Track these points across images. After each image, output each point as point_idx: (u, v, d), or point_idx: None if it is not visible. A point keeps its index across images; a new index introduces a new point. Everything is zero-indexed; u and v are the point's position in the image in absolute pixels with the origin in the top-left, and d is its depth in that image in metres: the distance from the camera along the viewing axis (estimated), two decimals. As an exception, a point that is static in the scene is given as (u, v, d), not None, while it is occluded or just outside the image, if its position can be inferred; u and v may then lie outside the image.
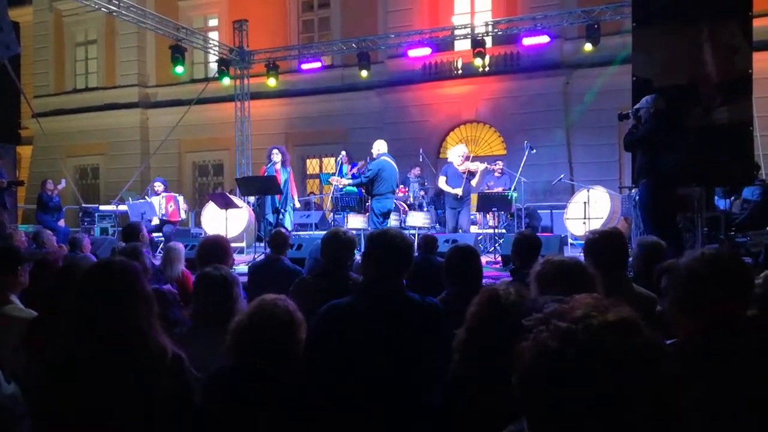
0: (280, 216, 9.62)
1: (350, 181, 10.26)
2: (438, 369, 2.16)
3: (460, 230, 9.30)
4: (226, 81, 14.23)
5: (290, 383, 1.92)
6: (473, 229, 10.73)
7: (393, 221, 9.83)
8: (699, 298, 1.73)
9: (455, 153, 9.61)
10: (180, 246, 5.59)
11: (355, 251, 3.96)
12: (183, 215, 10.93)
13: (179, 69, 13.03)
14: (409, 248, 2.54)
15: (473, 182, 9.49)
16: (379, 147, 9.21)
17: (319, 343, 2.28)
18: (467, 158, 9.55)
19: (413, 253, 2.63)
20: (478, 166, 9.59)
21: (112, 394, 1.84)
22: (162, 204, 10.63)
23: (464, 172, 9.31)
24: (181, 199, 11.07)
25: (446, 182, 9.41)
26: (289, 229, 10.02)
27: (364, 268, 2.63)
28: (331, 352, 2.32)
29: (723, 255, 1.82)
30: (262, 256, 6.93)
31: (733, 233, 7.13)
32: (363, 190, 9.91)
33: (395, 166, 9.00)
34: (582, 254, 3.09)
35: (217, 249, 4.20)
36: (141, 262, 3.87)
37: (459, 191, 9.22)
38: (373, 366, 2.26)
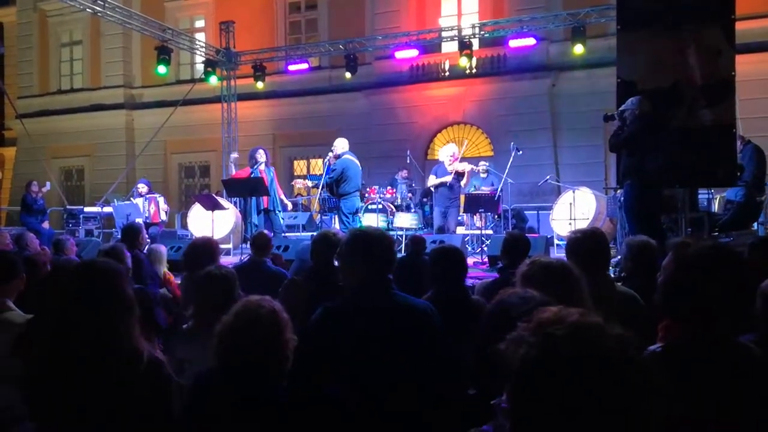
0: (273, 217, 9.57)
1: (314, 183, 10.11)
2: (431, 372, 2.15)
3: (446, 231, 9.30)
4: (213, 82, 14.16)
5: (277, 385, 1.91)
6: (460, 230, 10.75)
7: (381, 222, 9.82)
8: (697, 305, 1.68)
9: (445, 153, 9.59)
10: (162, 248, 5.58)
11: None
12: (164, 216, 10.86)
13: (161, 69, 12.84)
14: (392, 245, 2.49)
15: (462, 183, 9.49)
16: (342, 145, 9.09)
17: (317, 346, 2.25)
18: (456, 158, 9.54)
19: (396, 250, 2.56)
20: (466, 167, 9.58)
21: (84, 398, 1.82)
22: (145, 206, 10.58)
23: (452, 173, 9.31)
24: (161, 200, 10.98)
25: (435, 178, 9.40)
26: (283, 230, 9.99)
27: (350, 270, 2.44)
28: (328, 355, 2.28)
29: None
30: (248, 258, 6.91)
31: (716, 233, 7.21)
32: (328, 192, 9.51)
33: (358, 163, 8.96)
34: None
35: (205, 251, 4.19)
36: (123, 263, 3.85)
37: (448, 178, 9.14)
38: (370, 368, 2.23)
